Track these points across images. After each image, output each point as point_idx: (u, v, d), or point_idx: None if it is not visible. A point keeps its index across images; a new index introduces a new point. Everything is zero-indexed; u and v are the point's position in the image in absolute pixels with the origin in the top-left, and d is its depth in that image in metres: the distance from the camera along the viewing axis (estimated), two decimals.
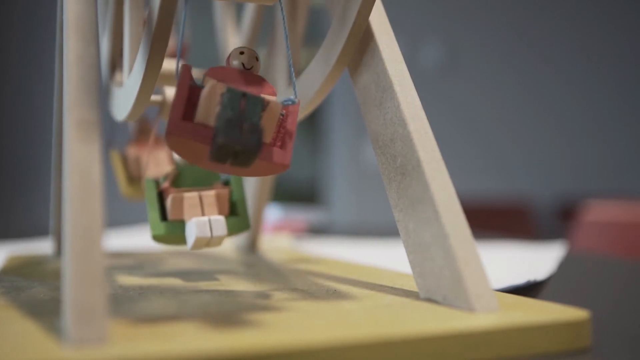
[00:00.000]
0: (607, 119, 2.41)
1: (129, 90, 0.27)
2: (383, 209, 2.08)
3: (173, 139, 0.21)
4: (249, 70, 0.24)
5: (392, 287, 0.27)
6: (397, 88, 0.25)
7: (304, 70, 0.29)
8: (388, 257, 0.46)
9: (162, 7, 0.22)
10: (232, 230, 0.29)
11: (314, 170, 2.50)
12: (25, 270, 0.34)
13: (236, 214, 0.30)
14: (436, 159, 0.24)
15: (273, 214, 1.02)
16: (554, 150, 2.37)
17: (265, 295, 0.26)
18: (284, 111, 0.24)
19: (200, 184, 0.30)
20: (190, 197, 0.29)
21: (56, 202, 0.39)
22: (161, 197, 0.29)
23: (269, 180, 0.43)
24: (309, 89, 0.28)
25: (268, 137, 0.23)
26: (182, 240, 0.29)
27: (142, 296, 0.26)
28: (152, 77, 0.24)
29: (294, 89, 0.25)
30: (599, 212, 0.99)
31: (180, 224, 0.28)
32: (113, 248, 0.47)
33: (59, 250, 0.41)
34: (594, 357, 0.20)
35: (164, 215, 0.29)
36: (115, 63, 0.32)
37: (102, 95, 0.26)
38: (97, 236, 0.20)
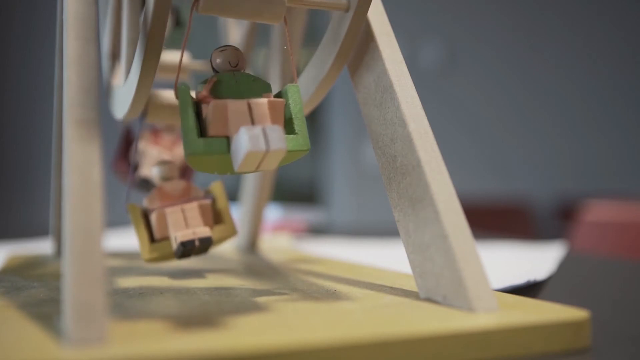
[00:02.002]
0: (607, 119, 2.41)
1: (127, 88, 0.27)
2: (383, 209, 2.08)
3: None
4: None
5: (392, 287, 0.27)
6: (397, 88, 0.25)
7: (303, 70, 0.29)
8: (388, 257, 0.46)
9: (156, 5, 0.22)
10: (290, 152, 0.23)
11: (314, 170, 2.50)
12: (25, 270, 0.34)
13: (294, 132, 0.23)
14: (436, 159, 0.24)
15: (273, 214, 1.02)
16: (553, 150, 2.37)
17: (265, 295, 0.26)
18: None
19: (246, 94, 0.23)
20: (236, 105, 0.22)
21: (56, 202, 0.39)
22: (198, 108, 0.23)
23: (269, 180, 0.43)
24: (308, 88, 0.28)
25: None
26: (225, 163, 0.22)
27: (142, 296, 0.26)
28: (149, 74, 0.24)
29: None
30: (599, 212, 0.99)
31: (223, 142, 0.22)
32: (113, 248, 0.47)
33: (59, 250, 0.41)
34: (594, 357, 0.20)
35: (201, 131, 0.22)
36: (116, 62, 0.32)
37: (102, 95, 0.26)
38: (97, 236, 0.20)
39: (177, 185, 0.31)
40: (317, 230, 0.87)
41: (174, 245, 0.29)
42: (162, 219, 0.29)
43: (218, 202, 0.31)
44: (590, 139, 2.39)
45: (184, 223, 0.29)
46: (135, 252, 0.44)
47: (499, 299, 0.24)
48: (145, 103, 0.27)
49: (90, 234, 0.19)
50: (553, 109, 2.37)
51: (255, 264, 0.38)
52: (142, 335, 0.19)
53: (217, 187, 0.32)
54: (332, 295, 0.26)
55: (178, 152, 0.38)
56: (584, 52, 2.39)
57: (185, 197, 0.30)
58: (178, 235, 0.28)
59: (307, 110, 0.29)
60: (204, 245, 0.29)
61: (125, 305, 0.23)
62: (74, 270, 0.19)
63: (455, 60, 2.28)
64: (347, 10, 0.26)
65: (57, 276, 0.32)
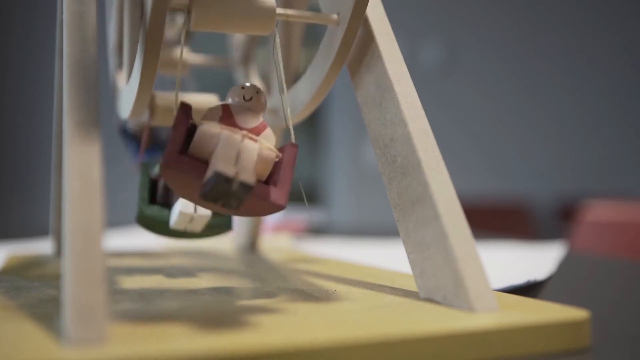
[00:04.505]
0: (606, 119, 2.41)
1: (130, 88, 0.27)
2: (383, 209, 2.08)
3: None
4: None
5: (392, 287, 0.27)
6: (397, 88, 0.25)
7: (303, 73, 0.29)
8: (388, 257, 0.46)
9: (154, 3, 0.22)
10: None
11: (314, 170, 2.49)
12: (25, 270, 0.34)
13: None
14: (436, 159, 0.24)
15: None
16: (553, 150, 2.37)
17: (265, 295, 0.26)
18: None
19: None
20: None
21: (56, 202, 0.39)
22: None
23: None
24: (308, 90, 0.28)
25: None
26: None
27: (142, 296, 0.26)
28: (149, 75, 0.24)
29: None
30: (599, 212, 0.99)
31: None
32: (113, 248, 0.47)
33: (59, 250, 0.41)
34: (594, 357, 0.20)
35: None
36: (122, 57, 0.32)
37: (107, 95, 0.26)
38: (97, 236, 0.20)
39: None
40: (317, 230, 0.87)
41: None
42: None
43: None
44: (590, 139, 2.39)
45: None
46: (136, 252, 0.44)
47: (499, 299, 0.24)
48: (148, 102, 0.27)
49: (90, 234, 0.19)
50: (553, 109, 2.37)
51: (255, 264, 0.38)
52: (142, 336, 0.19)
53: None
54: (332, 295, 0.26)
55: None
56: (584, 52, 2.39)
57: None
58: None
59: (309, 111, 0.29)
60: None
61: (126, 306, 0.23)
62: (74, 270, 0.19)
63: (456, 60, 2.28)
64: (337, 24, 0.26)
65: (57, 276, 0.32)
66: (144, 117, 0.35)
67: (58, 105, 0.34)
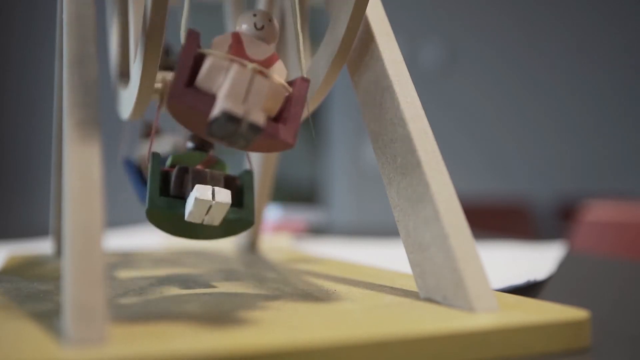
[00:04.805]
0: (606, 118, 2.41)
1: (130, 88, 0.27)
2: (383, 209, 2.09)
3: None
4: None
5: (392, 287, 0.27)
6: (397, 88, 0.25)
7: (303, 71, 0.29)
8: (388, 257, 0.46)
9: (154, 4, 0.22)
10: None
11: (314, 170, 2.50)
12: (25, 270, 0.34)
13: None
14: (436, 159, 0.24)
15: (273, 214, 1.02)
16: (553, 150, 2.37)
17: (264, 295, 0.26)
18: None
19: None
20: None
21: (56, 202, 0.39)
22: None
23: (269, 180, 0.43)
24: (315, 81, 0.28)
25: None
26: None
27: (142, 296, 0.26)
28: (150, 75, 0.24)
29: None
30: (599, 212, 0.99)
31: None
32: (113, 248, 0.47)
33: (59, 250, 0.41)
34: (594, 357, 0.20)
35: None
36: (123, 63, 0.32)
37: (107, 94, 0.26)
38: (97, 236, 0.20)
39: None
40: (317, 230, 0.87)
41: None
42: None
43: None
44: (590, 139, 2.39)
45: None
46: (136, 252, 0.44)
47: (499, 299, 0.24)
48: (149, 100, 0.27)
49: (90, 234, 0.19)
50: (553, 109, 2.37)
51: (255, 264, 0.38)
52: (142, 335, 0.19)
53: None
54: (332, 295, 0.26)
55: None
56: (584, 52, 2.39)
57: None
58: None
59: (315, 104, 0.29)
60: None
61: (125, 305, 0.23)
62: (74, 270, 0.19)
63: (456, 60, 2.28)
64: None
65: (57, 276, 0.32)
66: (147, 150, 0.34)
67: (58, 105, 0.34)
